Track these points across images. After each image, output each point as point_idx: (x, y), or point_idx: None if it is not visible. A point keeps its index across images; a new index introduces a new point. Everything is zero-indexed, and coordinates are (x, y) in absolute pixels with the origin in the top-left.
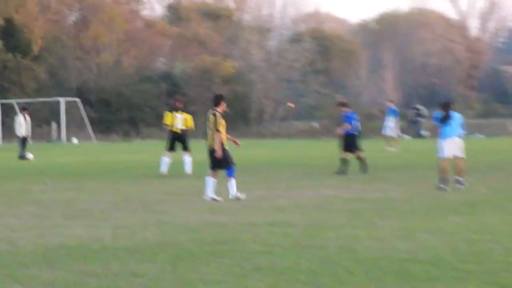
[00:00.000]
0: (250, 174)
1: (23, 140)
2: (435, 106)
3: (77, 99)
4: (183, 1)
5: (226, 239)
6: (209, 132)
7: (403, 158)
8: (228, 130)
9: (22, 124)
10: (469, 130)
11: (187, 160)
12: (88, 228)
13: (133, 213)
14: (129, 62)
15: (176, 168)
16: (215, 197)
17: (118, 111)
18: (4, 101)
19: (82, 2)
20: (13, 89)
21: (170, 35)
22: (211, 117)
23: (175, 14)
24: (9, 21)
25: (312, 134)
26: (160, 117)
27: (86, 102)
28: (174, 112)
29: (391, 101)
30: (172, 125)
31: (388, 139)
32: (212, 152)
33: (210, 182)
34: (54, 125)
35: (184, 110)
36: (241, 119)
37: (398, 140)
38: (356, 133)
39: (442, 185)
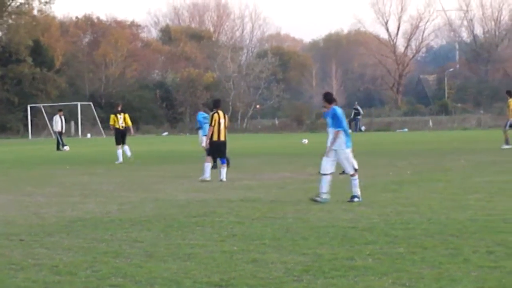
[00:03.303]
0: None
1: (60, 135)
2: (371, 106)
3: (90, 103)
4: (173, 26)
5: (207, 212)
6: (222, 128)
7: None
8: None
9: (58, 122)
10: (397, 125)
11: (127, 148)
12: (99, 204)
13: (134, 192)
14: (131, 74)
15: (166, 157)
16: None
17: (122, 112)
18: (32, 105)
19: (94, 27)
20: (40, 95)
21: (163, 52)
22: (226, 116)
23: (166, 35)
24: (37, 42)
25: (275, 129)
26: (156, 117)
27: (97, 105)
28: (117, 114)
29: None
30: (115, 124)
31: None
32: (223, 143)
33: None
34: (72, 123)
35: (123, 111)
36: None
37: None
38: None
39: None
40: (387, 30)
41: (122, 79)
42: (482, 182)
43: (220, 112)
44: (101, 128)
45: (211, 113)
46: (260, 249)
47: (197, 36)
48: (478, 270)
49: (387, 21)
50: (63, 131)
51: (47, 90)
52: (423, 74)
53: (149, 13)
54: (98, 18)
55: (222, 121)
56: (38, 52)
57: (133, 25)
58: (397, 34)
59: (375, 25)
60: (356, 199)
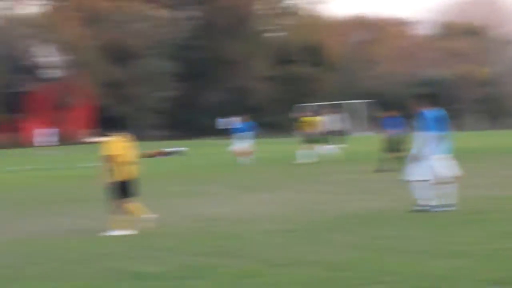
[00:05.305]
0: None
1: (333, 134)
2: None
3: (364, 101)
4: (445, 21)
5: (482, 209)
6: None
7: None
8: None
9: (333, 121)
10: None
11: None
12: (369, 202)
13: (405, 190)
14: (401, 71)
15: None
16: None
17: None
18: (302, 104)
19: (365, 26)
20: (313, 94)
21: (434, 48)
22: None
23: (440, 32)
24: (312, 42)
25: None
26: None
27: (370, 103)
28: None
29: None
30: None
31: None
32: None
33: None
34: (346, 121)
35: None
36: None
37: None
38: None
39: None
40: None
41: (392, 76)
42: None
43: None
44: (366, 126)
45: None
46: None
47: (469, 32)
48: None
49: None
50: (338, 129)
51: (320, 89)
52: None
53: (421, 10)
54: (369, 17)
55: None
56: (313, 52)
57: (404, 22)
58: None
59: None
60: None
